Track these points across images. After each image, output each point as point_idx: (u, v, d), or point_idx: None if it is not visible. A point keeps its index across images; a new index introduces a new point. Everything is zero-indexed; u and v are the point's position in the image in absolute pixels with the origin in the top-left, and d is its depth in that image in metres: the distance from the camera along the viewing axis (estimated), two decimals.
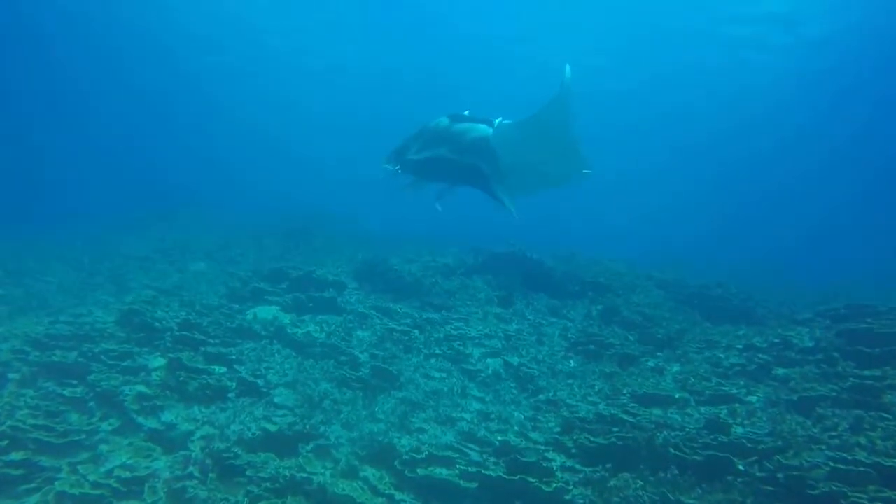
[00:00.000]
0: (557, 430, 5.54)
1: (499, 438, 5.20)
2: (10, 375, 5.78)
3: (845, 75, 23.12)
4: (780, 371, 6.10)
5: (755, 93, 27.15)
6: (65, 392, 5.50)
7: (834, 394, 5.24)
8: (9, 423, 4.93)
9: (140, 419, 5.23)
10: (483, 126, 7.51)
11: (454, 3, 21.46)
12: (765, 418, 5.12)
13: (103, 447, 4.97)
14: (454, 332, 7.38)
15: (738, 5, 20.98)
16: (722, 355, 7.04)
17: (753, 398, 5.68)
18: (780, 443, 4.49)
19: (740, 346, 7.12)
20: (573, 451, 5.03)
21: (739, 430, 4.98)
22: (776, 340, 6.78)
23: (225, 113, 40.06)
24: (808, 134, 30.68)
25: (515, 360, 7.05)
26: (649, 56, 25.94)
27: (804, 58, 22.91)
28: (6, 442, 4.72)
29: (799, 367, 6.04)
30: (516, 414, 5.94)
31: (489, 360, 7.00)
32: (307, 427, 4.99)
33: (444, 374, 6.43)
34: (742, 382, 6.16)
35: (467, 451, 4.99)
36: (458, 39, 23.02)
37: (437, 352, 6.86)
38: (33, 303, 8.66)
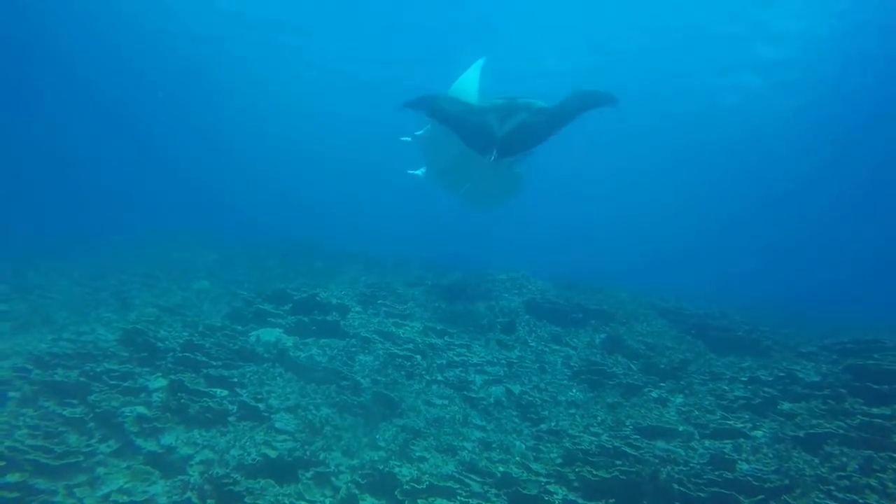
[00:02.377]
0: (559, 460, 5.47)
1: (500, 469, 5.13)
2: (11, 394, 5.75)
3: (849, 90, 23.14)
4: (786, 406, 6.03)
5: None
6: (65, 412, 5.47)
7: (842, 431, 5.17)
8: (7, 443, 4.89)
9: (139, 441, 5.18)
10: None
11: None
12: (771, 455, 5.05)
13: (101, 470, 4.92)
14: (456, 359, 7.35)
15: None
16: (726, 388, 6.97)
17: (759, 433, 5.62)
18: (786, 481, 4.43)
19: (745, 379, 7.06)
20: (575, 483, 4.96)
21: (745, 466, 4.91)
22: (781, 374, 6.72)
23: (226, 134, 40.69)
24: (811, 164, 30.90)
25: (517, 388, 7.00)
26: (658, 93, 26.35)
27: (797, 85, 23.17)
28: (3, 463, 4.68)
29: (805, 402, 5.97)
30: (518, 443, 5.88)
31: (491, 388, 6.95)
32: (308, 453, 4.94)
33: (446, 401, 6.39)
34: (747, 416, 6.10)
35: (468, 481, 4.93)
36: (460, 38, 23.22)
37: (440, 378, 6.83)
38: (37, 319, 8.66)
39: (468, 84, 8.09)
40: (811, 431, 5.26)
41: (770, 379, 6.79)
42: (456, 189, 9.14)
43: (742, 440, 5.47)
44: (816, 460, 4.83)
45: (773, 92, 24.15)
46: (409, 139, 8.41)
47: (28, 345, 7.06)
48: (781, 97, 24.46)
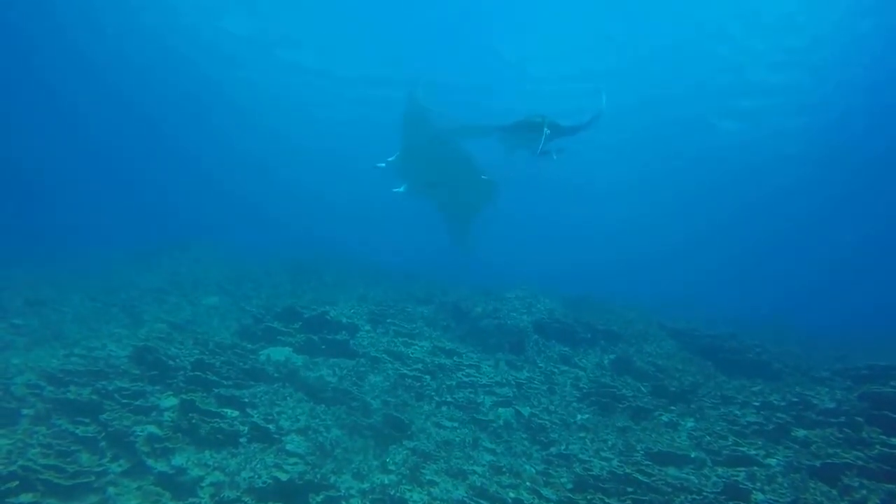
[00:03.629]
0: (570, 486, 5.42)
1: (511, 495, 5.10)
2: (25, 411, 5.79)
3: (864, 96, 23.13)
4: (801, 433, 5.96)
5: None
6: (77, 430, 5.49)
7: (860, 462, 5.08)
8: (20, 462, 4.91)
9: (150, 462, 5.18)
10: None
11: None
12: (786, 485, 4.98)
13: (112, 490, 4.93)
14: (465, 379, 7.34)
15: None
16: (738, 412, 6.92)
17: (773, 461, 5.55)
18: None
19: (757, 404, 7.00)
20: None
21: (760, 496, 4.85)
22: (794, 399, 6.66)
23: (236, 145, 41.08)
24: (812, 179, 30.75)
25: (527, 411, 6.97)
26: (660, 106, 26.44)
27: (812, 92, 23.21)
28: (16, 483, 4.69)
29: (820, 430, 5.90)
30: (528, 468, 5.84)
31: (500, 410, 6.93)
32: (318, 476, 4.92)
33: (456, 424, 6.36)
34: (760, 443, 6.03)
35: None
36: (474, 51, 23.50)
37: (449, 399, 6.81)
38: (49, 334, 8.73)
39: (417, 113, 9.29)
40: (828, 461, 5.18)
41: (783, 404, 6.73)
42: (435, 198, 10.59)
43: (756, 468, 5.40)
44: (835, 492, 4.76)
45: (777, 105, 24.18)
46: (383, 165, 9.60)
47: (41, 360, 7.10)
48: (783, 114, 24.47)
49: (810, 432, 5.94)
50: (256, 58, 25.97)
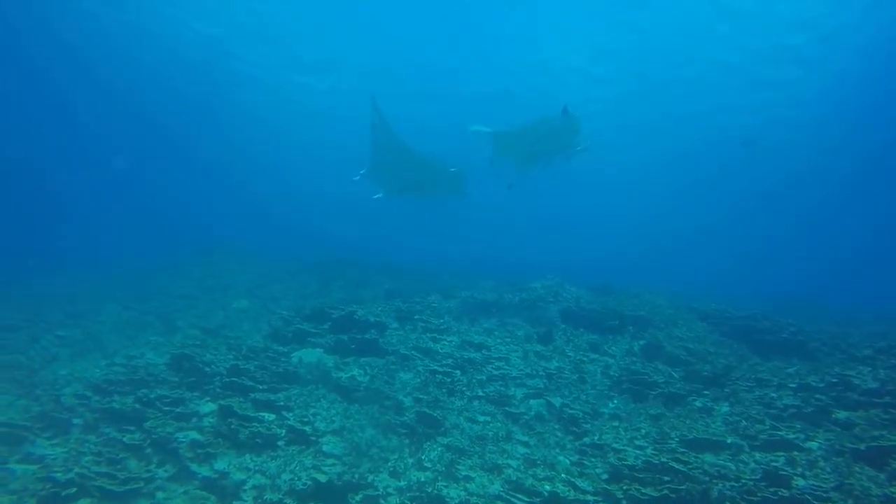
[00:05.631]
0: (605, 476, 5.41)
1: (546, 488, 5.11)
2: (75, 421, 6.08)
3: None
4: (842, 414, 5.82)
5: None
6: (124, 438, 5.73)
7: None
8: (76, 469, 5.17)
9: (194, 467, 5.37)
10: None
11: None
12: (829, 469, 4.88)
13: (160, 495, 5.13)
14: (496, 373, 7.36)
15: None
16: (774, 395, 6.78)
17: (813, 444, 5.44)
18: (850, 501, 4.27)
19: (794, 385, 6.85)
20: (624, 502, 4.90)
21: (801, 482, 4.76)
22: (834, 380, 6.50)
23: (255, 148, 41.54)
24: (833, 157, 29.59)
25: (558, 401, 6.96)
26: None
27: (833, 75, 22.31)
28: (74, 489, 4.94)
29: (863, 411, 5.75)
30: (562, 459, 5.85)
31: (532, 402, 6.93)
32: (356, 476, 5.03)
33: (488, 418, 6.40)
34: (799, 426, 5.91)
35: (516, 501, 4.93)
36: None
37: (480, 394, 6.85)
38: (90, 344, 9.10)
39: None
40: (873, 444, 5.05)
41: (821, 385, 6.57)
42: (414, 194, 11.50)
43: (796, 453, 5.30)
44: (882, 477, 4.63)
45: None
46: (357, 177, 10.55)
47: (85, 371, 7.42)
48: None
49: (853, 414, 5.80)
50: (275, 59, 26.08)
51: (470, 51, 23.71)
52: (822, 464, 5.04)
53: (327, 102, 29.63)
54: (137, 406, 6.19)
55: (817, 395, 6.34)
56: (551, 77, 24.62)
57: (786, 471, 4.92)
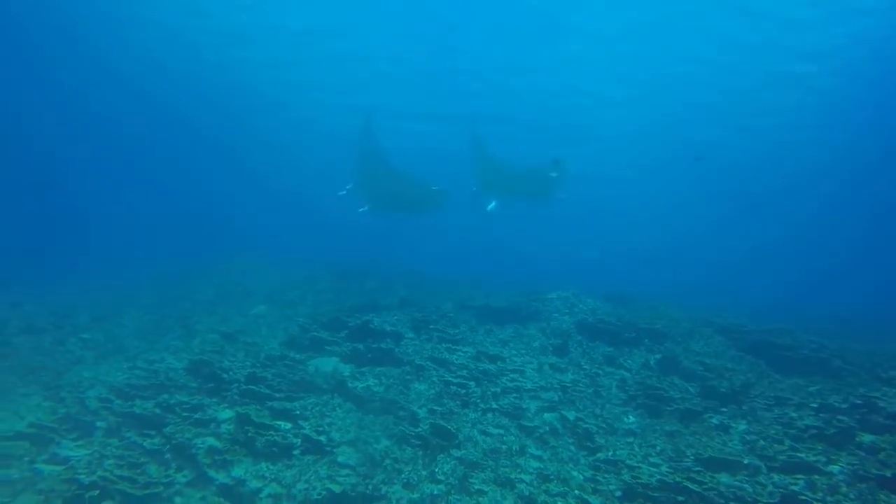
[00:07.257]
0: (619, 494, 5.38)
1: None
2: (98, 423, 6.25)
3: None
4: (867, 438, 5.68)
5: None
6: (145, 443, 5.88)
7: None
8: (99, 472, 5.33)
9: (212, 473, 5.49)
10: None
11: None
12: (852, 496, 4.77)
13: (179, 500, 5.26)
14: (510, 385, 7.35)
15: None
16: (794, 414, 6.66)
17: (835, 468, 5.32)
18: None
19: (815, 405, 6.71)
20: None
21: None
22: (858, 401, 6.34)
23: (294, 154, 41.89)
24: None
25: (572, 415, 6.93)
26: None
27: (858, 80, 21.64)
28: (97, 492, 5.09)
29: (889, 435, 5.60)
30: (575, 474, 5.82)
31: (546, 415, 6.91)
32: (370, 488, 5.08)
33: (502, 431, 6.40)
34: (820, 448, 5.79)
35: None
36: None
37: (494, 406, 6.85)
38: (113, 347, 9.32)
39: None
40: None
41: (845, 406, 6.42)
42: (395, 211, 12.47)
43: (816, 476, 5.19)
44: None
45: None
46: (344, 192, 11.20)
47: (108, 374, 7.62)
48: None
49: (878, 437, 5.65)
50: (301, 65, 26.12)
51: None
52: (844, 489, 4.92)
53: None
54: (158, 411, 6.34)
55: (840, 417, 6.20)
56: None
57: (805, 495, 4.83)
